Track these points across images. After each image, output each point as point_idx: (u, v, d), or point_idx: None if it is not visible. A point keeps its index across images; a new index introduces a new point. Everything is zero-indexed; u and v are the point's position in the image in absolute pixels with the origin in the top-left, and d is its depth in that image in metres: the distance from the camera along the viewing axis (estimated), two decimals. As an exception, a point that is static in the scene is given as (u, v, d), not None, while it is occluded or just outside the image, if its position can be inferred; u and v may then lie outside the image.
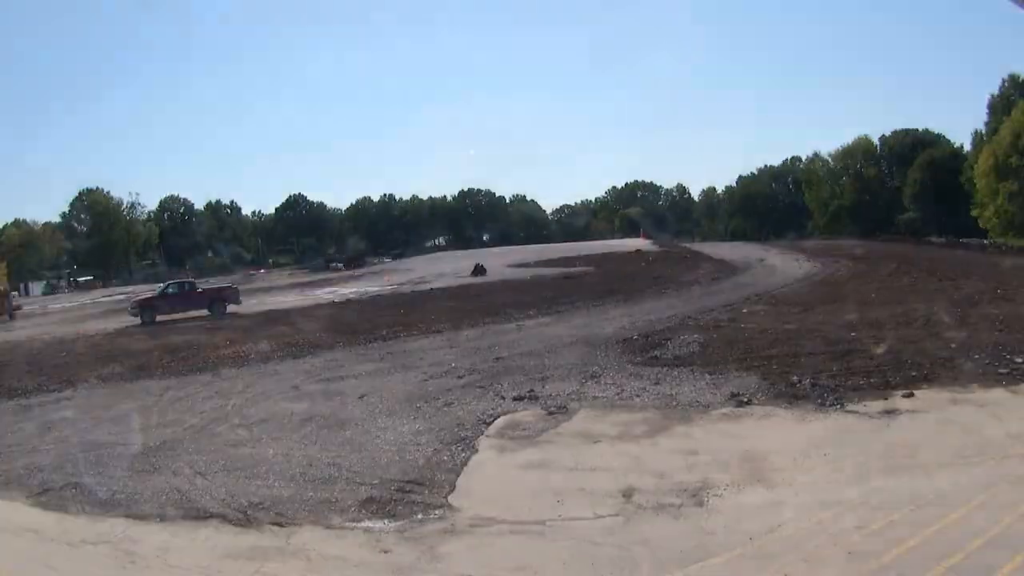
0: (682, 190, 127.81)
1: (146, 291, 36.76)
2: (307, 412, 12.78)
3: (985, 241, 53.17)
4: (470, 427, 11.21)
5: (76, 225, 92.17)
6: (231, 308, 30.57)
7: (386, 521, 8.05)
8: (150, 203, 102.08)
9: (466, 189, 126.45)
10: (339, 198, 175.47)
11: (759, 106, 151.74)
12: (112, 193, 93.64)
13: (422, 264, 63.89)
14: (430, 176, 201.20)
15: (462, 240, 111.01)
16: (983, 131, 61.82)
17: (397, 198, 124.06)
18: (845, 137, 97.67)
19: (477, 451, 10.17)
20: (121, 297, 46.49)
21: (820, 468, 8.68)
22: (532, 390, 13.07)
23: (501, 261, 53.49)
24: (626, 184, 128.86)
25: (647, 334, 18.05)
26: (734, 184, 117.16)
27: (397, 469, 9.62)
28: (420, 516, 8.13)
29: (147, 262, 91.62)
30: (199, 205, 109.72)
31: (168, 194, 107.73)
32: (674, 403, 11.81)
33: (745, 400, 11.62)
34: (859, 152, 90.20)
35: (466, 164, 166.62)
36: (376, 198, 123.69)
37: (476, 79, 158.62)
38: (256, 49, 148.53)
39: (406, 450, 10.34)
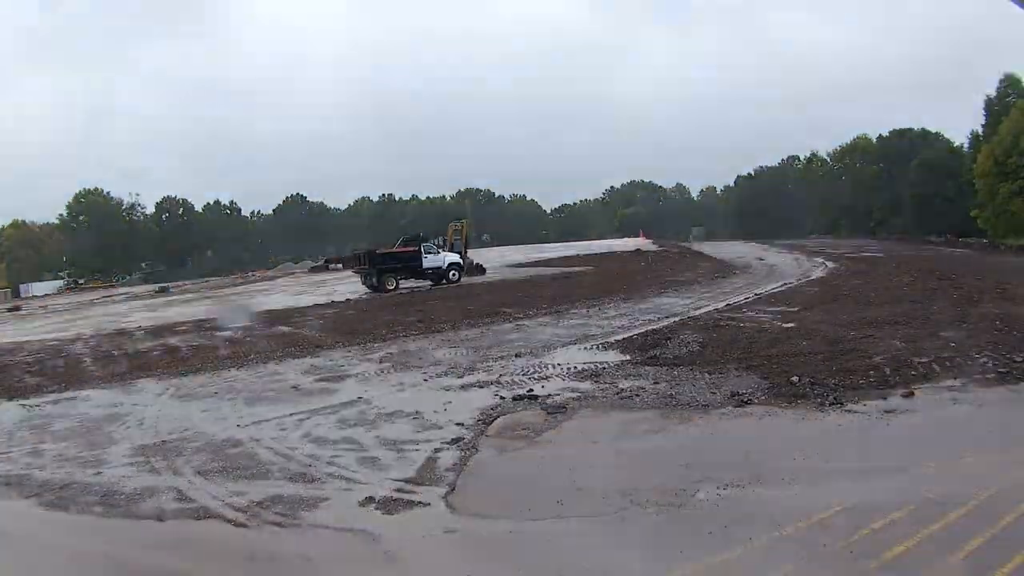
0: (682, 190, 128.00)
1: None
2: (307, 412, 12.78)
3: (984, 241, 53.16)
4: (470, 427, 11.21)
5: (75, 226, 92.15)
6: None
7: (386, 521, 8.04)
8: (149, 204, 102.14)
9: (464, 189, 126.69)
10: (339, 198, 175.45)
11: (759, 106, 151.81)
12: (111, 193, 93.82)
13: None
14: (431, 176, 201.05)
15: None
16: (981, 131, 61.82)
17: (396, 198, 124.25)
18: (844, 137, 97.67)
19: (477, 451, 10.17)
20: (121, 296, 46.42)
21: (820, 467, 8.67)
22: (532, 390, 13.07)
23: (500, 261, 53.44)
24: (625, 184, 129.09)
25: (646, 333, 18.05)
26: (733, 184, 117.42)
27: (397, 469, 9.62)
28: (420, 516, 8.12)
29: (146, 262, 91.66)
30: (198, 206, 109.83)
31: (166, 194, 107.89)
32: (674, 403, 11.80)
33: (745, 400, 11.61)
34: (858, 152, 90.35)
35: (466, 163, 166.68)
36: (375, 198, 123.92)
37: (476, 79, 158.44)
38: (256, 50, 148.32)
39: (406, 450, 10.34)
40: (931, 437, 9.48)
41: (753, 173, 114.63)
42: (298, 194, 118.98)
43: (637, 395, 12.40)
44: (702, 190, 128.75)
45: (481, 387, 13.65)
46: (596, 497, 8.24)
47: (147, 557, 7.51)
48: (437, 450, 10.24)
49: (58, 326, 32.00)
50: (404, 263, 35.94)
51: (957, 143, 73.26)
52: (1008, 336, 14.49)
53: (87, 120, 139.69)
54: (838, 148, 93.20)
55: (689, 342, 16.33)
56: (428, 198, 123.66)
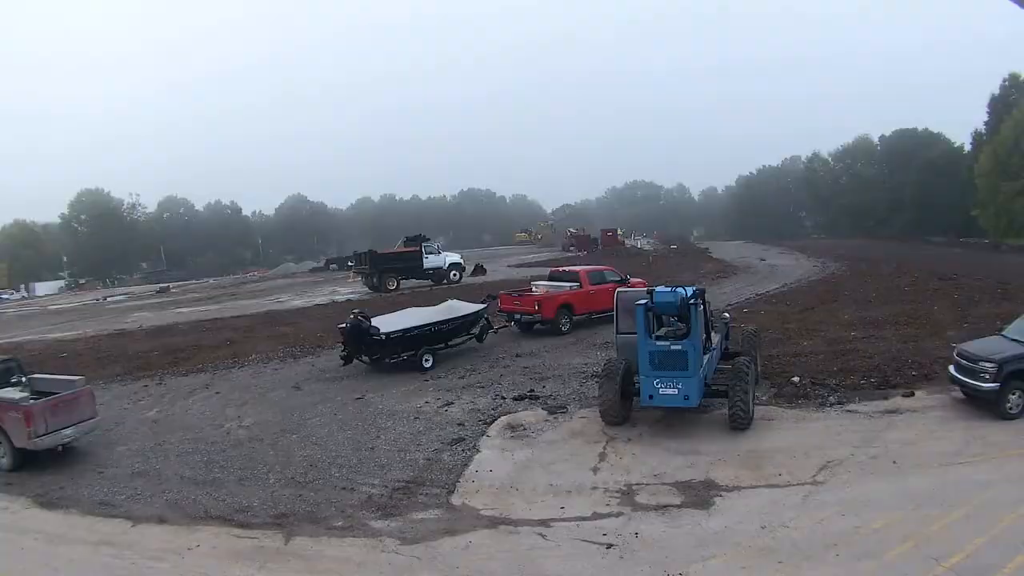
0: (682, 190, 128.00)
1: None
2: (306, 412, 12.78)
3: (985, 240, 53.09)
4: (471, 427, 11.20)
5: (76, 225, 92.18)
6: None
7: (386, 521, 8.04)
8: (150, 204, 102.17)
9: (466, 189, 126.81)
10: (340, 199, 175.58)
11: (759, 106, 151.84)
12: (112, 194, 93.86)
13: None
14: (430, 176, 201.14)
15: (462, 240, 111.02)
16: (983, 131, 61.72)
17: (397, 198, 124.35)
18: (845, 137, 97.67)
19: (478, 451, 10.17)
20: (121, 296, 46.45)
21: (821, 467, 8.67)
22: (532, 390, 13.06)
23: (502, 261, 53.45)
24: (626, 183, 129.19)
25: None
26: (734, 184, 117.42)
27: (398, 469, 9.62)
28: (420, 516, 8.13)
29: (147, 263, 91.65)
30: (199, 206, 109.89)
31: (167, 195, 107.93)
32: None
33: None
34: (859, 152, 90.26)
35: (466, 164, 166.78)
36: (376, 198, 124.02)
37: (475, 79, 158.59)
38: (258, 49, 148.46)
39: (407, 450, 10.34)
40: (931, 437, 9.46)
41: (754, 173, 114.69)
42: (299, 194, 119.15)
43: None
44: (703, 190, 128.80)
45: (482, 387, 13.63)
46: (597, 497, 8.24)
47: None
48: (438, 450, 10.24)
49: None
50: (405, 263, 35.97)
51: (959, 143, 73.20)
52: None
53: (87, 120, 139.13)
54: (840, 148, 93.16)
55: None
56: (429, 198, 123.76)
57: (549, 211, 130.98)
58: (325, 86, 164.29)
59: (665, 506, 7.87)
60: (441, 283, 36.10)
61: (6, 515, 8.84)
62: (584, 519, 7.70)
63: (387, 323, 15.72)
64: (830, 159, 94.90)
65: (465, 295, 22.36)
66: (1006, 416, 9.66)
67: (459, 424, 11.40)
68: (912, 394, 11.20)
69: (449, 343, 16.39)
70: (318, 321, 24.88)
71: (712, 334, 11.63)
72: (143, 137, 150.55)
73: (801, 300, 23.05)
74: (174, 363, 18.36)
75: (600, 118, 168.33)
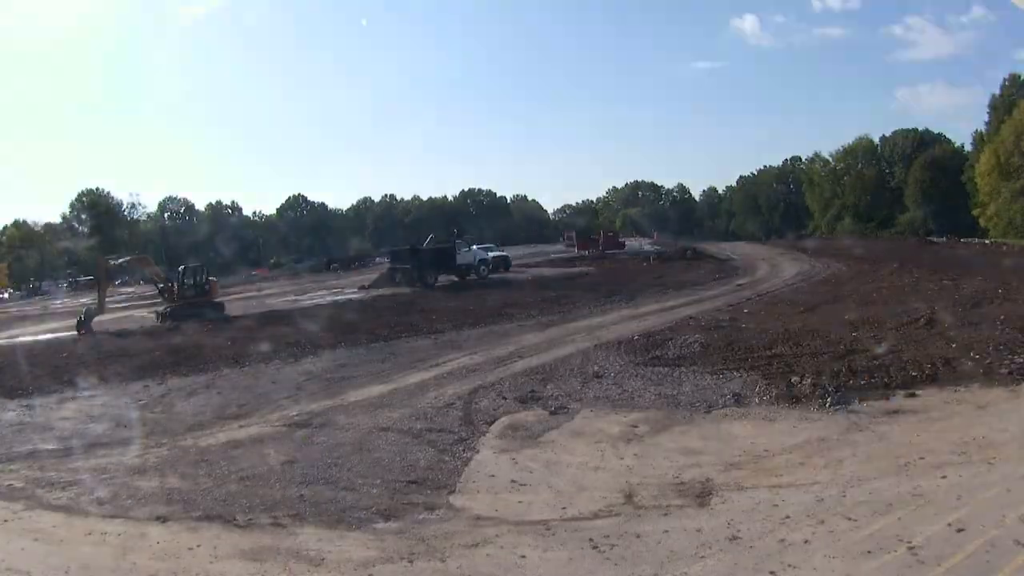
0: (683, 190, 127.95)
1: None
2: (306, 412, 12.79)
3: (987, 241, 53.08)
4: (471, 428, 11.20)
5: (77, 225, 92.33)
6: None
7: (387, 522, 8.04)
8: (150, 204, 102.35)
9: (467, 189, 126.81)
10: (341, 198, 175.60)
11: (760, 106, 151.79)
12: (112, 193, 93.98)
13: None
14: (431, 176, 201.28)
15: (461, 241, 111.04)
16: (984, 131, 61.75)
17: (399, 198, 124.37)
18: (846, 137, 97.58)
19: (478, 451, 10.17)
20: (122, 297, 46.42)
21: (822, 468, 8.67)
22: (533, 390, 13.06)
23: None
24: (627, 184, 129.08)
25: (648, 334, 18.03)
26: (735, 184, 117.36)
27: (398, 469, 9.62)
28: (421, 516, 8.12)
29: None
30: (200, 205, 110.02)
31: (168, 194, 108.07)
32: (675, 403, 11.81)
33: (747, 400, 11.62)
34: (860, 152, 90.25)
35: (468, 164, 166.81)
36: (377, 198, 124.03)
37: (475, 77, 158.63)
38: (256, 49, 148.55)
39: (407, 451, 10.34)
40: (933, 438, 9.45)
41: (755, 173, 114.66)
42: (299, 195, 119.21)
43: (639, 395, 12.42)
44: (703, 190, 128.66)
45: (484, 388, 13.64)
46: (598, 497, 8.23)
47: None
48: (439, 450, 10.24)
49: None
50: (441, 259, 38.10)
51: (959, 143, 73.19)
52: (1010, 336, 14.46)
53: (87, 120, 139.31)
54: (840, 148, 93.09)
55: (691, 343, 16.31)
56: (430, 198, 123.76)
57: (550, 211, 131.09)
58: (325, 86, 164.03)
59: (666, 506, 7.87)
60: (468, 277, 38.26)
61: (5, 516, 8.83)
62: (585, 519, 7.70)
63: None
64: (831, 159, 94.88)
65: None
66: None
67: (460, 424, 11.40)
68: (914, 394, 11.20)
69: None
70: (320, 320, 24.90)
71: None
72: (142, 138, 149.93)
73: (802, 300, 23.06)
74: (176, 363, 18.35)
75: (600, 118, 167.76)
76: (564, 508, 8.03)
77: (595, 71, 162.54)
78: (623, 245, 64.89)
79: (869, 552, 6.44)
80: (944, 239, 57.60)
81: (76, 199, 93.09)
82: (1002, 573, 5.94)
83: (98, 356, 20.36)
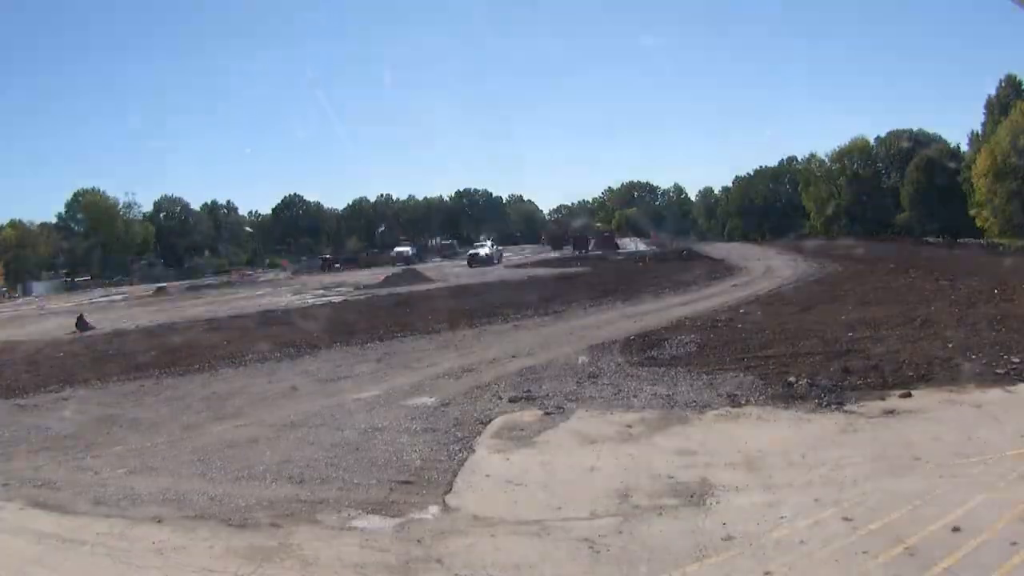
0: (679, 190, 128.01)
1: None
2: (304, 412, 12.75)
3: (983, 241, 53.20)
4: (467, 428, 11.18)
5: (72, 225, 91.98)
6: None
7: (383, 521, 8.01)
8: (146, 203, 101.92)
9: (463, 189, 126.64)
10: (336, 198, 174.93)
11: (757, 106, 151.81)
12: (108, 193, 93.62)
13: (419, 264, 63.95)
14: (428, 176, 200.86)
15: (459, 240, 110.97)
16: (980, 132, 61.88)
17: (394, 198, 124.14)
18: (842, 138, 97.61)
19: (474, 451, 10.14)
20: (119, 296, 46.32)
21: (818, 468, 8.66)
22: (529, 391, 13.04)
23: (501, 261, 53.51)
24: (623, 184, 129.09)
25: (644, 334, 18.04)
26: (731, 184, 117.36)
27: (394, 469, 9.59)
28: (417, 516, 8.10)
29: (144, 262, 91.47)
30: (195, 205, 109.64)
31: (163, 194, 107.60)
32: (671, 403, 11.79)
33: (742, 400, 11.60)
34: (856, 152, 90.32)
35: (463, 163, 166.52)
36: (373, 198, 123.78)
37: (475, 77, 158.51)
38: (255, 48, 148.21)
39: (403, 450, 10.31)
40: (929, 438, 9.45)
41: (751, 174, 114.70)
42: (295, 194, 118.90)
43: (635, 396, 12.40)
44: (699, 191, 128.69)
45: (478, 387, 13.63)
46: (593, 497, 8.22)
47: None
48: (434, 450, 10.22)
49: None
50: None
51: (956, 144, 73.28)
52: (1006, 337, 14.50)
53: (86, 119, 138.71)
54: (836, 149, 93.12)
55: (686, 343, 16.32)
56: (425, 198, 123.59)
57: (546, 211, 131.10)
58: (325, 87, 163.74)
59: (662, 507, 7.85)
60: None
61: (0, 516, 8.78)
62: (580, 519, 7.68)
63: None
64: (827, 159, 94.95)
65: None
66: None
67: (456, 424, 11.37)
68: (910, 395, 11.20)
69: None
70: (316, 321, 24.87)
71: None
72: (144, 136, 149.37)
73: (798, 300, 23.08)
74: (171, 363, 18.30)
75: (599, 118, 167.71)
76: (559, 508, 8.01)
77: (595, 70, 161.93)
78: (617, 246, 64.96)
79: (865, 552, 6.43)
80: (940, 240, 57.73)
81: (72, 198, 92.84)
82: (999, 573, 5.94)
83: (93, 357, 20.31)
